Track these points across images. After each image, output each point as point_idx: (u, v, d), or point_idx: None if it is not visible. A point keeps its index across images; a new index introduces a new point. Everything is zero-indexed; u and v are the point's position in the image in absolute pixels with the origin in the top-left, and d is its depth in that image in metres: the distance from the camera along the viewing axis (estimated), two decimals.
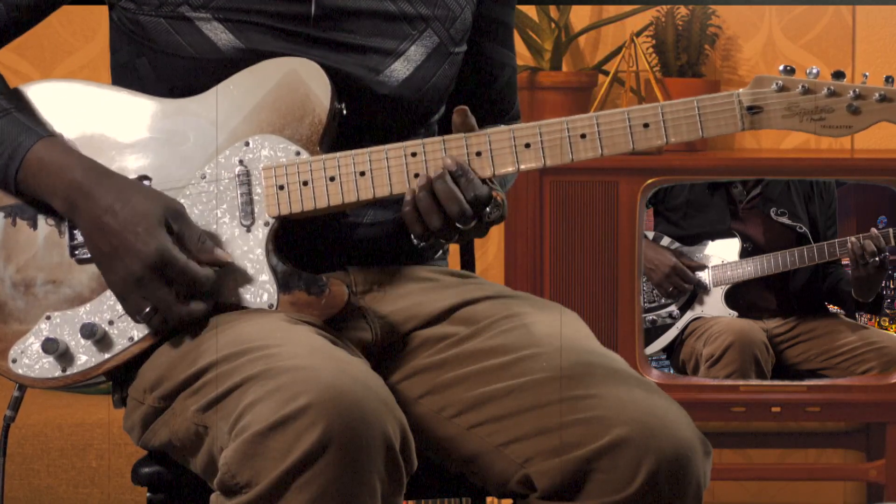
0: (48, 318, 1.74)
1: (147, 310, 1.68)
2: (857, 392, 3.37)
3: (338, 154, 1.72)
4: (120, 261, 1.68)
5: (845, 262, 3.63)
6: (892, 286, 3.73)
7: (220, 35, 1.76)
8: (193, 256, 1.69)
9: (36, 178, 1.72)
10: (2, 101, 1.75)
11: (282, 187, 1.72)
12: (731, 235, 3.67)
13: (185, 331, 1.71)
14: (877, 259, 3.49)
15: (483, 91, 1.94)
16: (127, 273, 1.68)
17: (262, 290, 1.72)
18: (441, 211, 1.67)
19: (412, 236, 1.71)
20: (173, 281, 1.67)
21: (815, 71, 1.64)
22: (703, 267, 3.65)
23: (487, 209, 1.68)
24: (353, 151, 1.71)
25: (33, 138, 1.72)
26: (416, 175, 1.70)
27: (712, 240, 3.68)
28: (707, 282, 3.66)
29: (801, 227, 3.64)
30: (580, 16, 3.67)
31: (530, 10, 3.57)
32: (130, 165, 1.75)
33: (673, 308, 3.66)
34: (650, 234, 3.67)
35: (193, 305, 1.69)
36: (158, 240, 1.67)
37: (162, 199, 1.70)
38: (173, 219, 1.69)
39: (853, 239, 3.53)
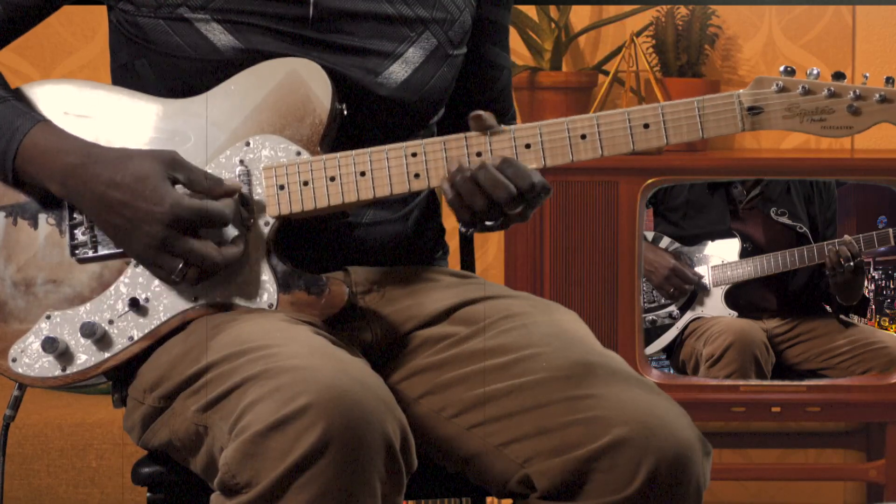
0: (48, 317, 1.74)
1: (180, 266, 1.68)
2: (857, 392, 3.37)
3: (338, 154, 1.72)
4: (138, 230, 1.67)
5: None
6: (892, 286, 3.73)
7: (219, 36, 1.76)
8: (206, 195, 1.69)
9: (33, 162, 1.72)
10: None
11: (282, 187, 1.72)
12: (731, 235, 3.67)
13: (186, 331, 1.71)
14: (851, 264, 3.51)
15: (482, 93, 1.94)
16: (149, 239, 1.67)
17: (262, 289, 1.72)
18: (484, 194, 1.66)
19: (460, 224, 1.70)
20: (196, 229, 1.67)
21: (815, 72, 1.64)
22: (699, 276, 3.65)
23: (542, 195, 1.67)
24: (354, 151, 1.71)
25: (30, 122, 1.72)
26: (417, 175, 1.70)
27: (712, 240, 3.68)
28: (707, 282, 3.66)
29: (801, 227, 3.64)
30: (580, 16, 3.67)
31: (530, 10, 3.57)
32: None
33: (673, 308, 3.66)
34: (650, 235, 3.67)
35: (225, 250, 1.69)
36: (169, 195, 1.66)
37: (155, 154, 1.70)
38: (173, 168, 1.69)
39: (829, 246, 3.54)
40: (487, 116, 1.70)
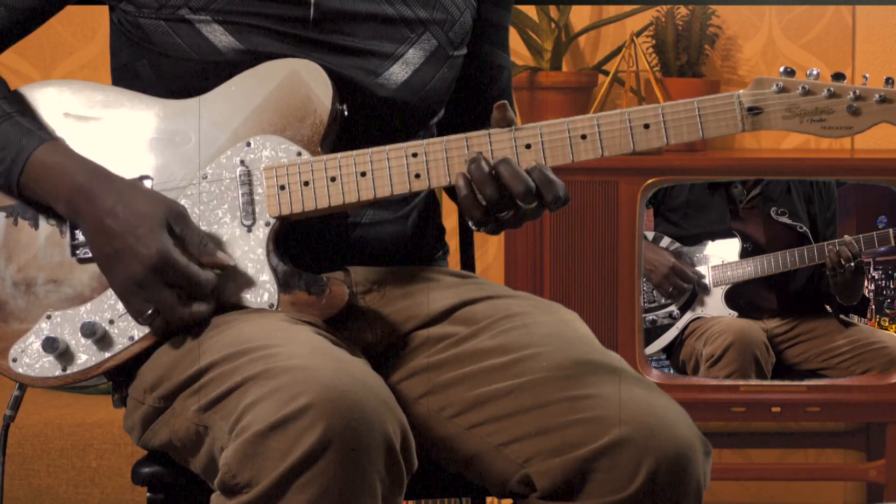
0: (49, 317, 1.74)
1: (149, 312, 1.68)
2: (857, 392, 3.37)
3: (339, 154, 1.72)
4: (122, 263, 1.68)
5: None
6: (892, 286, 3.73)
7: (220, 37, 1.76)
8: (195, 259, 1.69)
9: (38, 182, 1.72)
10: (3, 105, 1.75)
11: (283, 187, 1.73)
12: (731, 235, 3.67)
13: (186, 331, 1.71)
14: (852, 264, 3.51)
15: (482, 94, 1.94)
16: (129, 275, 1.68)
17: (262, 290, 1.72)
18: (498, 185, 1.65)
19: (470, 223, 1.69)
20: (175, 283, 1.68)
21: (815, 72, 1.64)
22: (700, 276, 3.65)
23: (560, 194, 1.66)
24: (354, 152, 1.71)
25: (35, 142, 1.73)
26: (417, 175, 1.70)
27: (712, 240, 3.68)
28: (707, 282, 3.66)
29: (801, 227, 3.65)
30: (580, 16, 3.67)
31: (530, 10, 3.57)
32: (132, 166, 1.76)
33: (673, 308, 3.66)
34: (650, 235, 3.67)
35: (195, 307, 1.69)
36: (160, 242, 1.67)
37: (163, 201, 1.70)
38: (175, 221, 1.69)
39: (829, 246, 3.55)
40: (509, 110, 1.69)
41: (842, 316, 3.66)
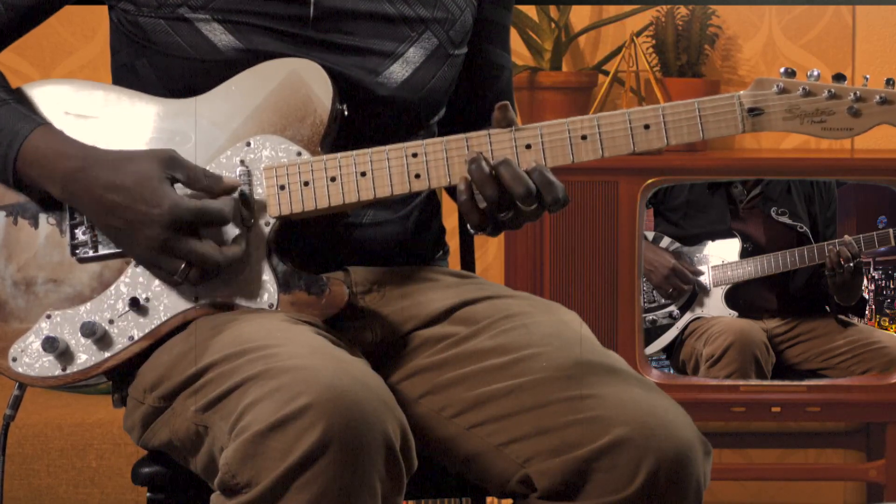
0: (48, 316, 1.74)
1: (182, 267, 1.68)
2: (857, 392, 3.37)
3: (339, 154, 1.72)
4: (138, 232, 1.67)
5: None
6: (892, 286, 3.73)
7: (219, 36, 1.76)
8: (205, 193, 1.69)
9: (33, 166, 1.72)
10: (0, 92, 1.75)
11: (283, 187, 1.73)
12: (732, 235, 3.67)
13: (186, 331, 1.71)
14: (851, 265, 3.52)
15: (483, 93, 1.94)
16: (150, 241, 1.67)
17: (262, 289, 1.72)
18: (498, 186, 1.65)
19: (468, 226, 1.68)
20: (196, 229, 1.67)
21: (815, 73, 1.64)
22: (699, 272, 3.65)
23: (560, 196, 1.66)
24: (354, 152, 1.71)
25: (30, 126, 1.73)
26: (417, 175, 1.70)
27: (712, 240, 3.68)
28: (707, 282, 3.66)
29: (801, 227, 3.65)
30: (580, 16, 3.67)
31: (530, 10, 3.57)
32: None
33: (673, 308, 3.66)
34: (650, 235, 3.67)
35: (226, 250, 1.68)
36: (167, 197, 1.66)
37: (153, 154, 1.69)
38: (172, 168, 1.69)
39: (829, 246, 3.55)
40: (510, 111, 1.69)
41: (840, 316, 3.66)
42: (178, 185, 1.69)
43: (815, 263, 3.60)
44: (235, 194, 1.71)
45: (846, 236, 3.57)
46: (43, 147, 1.72)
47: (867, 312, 3.73)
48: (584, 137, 1.68)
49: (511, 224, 1.69)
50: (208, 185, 1.70)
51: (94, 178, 1.69)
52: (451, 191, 1.89)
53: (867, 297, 3.70)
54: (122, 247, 1.71)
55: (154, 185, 1.67)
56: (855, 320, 3.69)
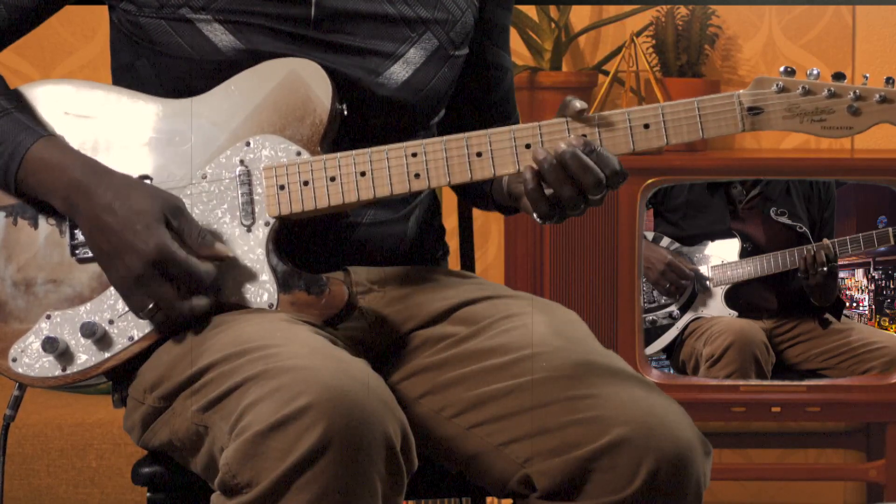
0: (48, 317, 1.74)
1: (149, 307, 1.68)
2: (857, 392, 3.37)
3: (338, 154, 1.72)
4: (120, 259, 1.68)
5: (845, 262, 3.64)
6: (892, 286, 3.73)
7: (220, 36, 1.76)
8: (194, 252, 1.69)
9: (36, 177, 1.72)
10: (1, 101, 1.75)
11: (282, 187, 1.73)
12: (731, 235, 3.67)
13: (186, 329, 1.71)
14: (825, 269, 3.53)
15: (486, 95, 1.94)
16: (128, 271, 1.68)
17: (262, 289, 1.72)
18: (572, 181, 1.64)
19: (536, 217, 1.67)
20: (174, 277, 1.67)
21: (815, 72, 1.64)
22: (695, 269, 3.65)
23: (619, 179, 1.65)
24: (354, 151, 1.71)
25: (33, 137, 1.73)
26: (417, 175, 1.70)
27: (712, 240, 3.68)
28: (707, 281, 3.66)
29: (801, 227, 3.65)
30: (580, 16, 3.67)
31: (530, 10, 3.57)
32: (132, 165, 1.76)
33: (673, 308, 3.66)
34: (650, 235, 3.67)
35: (195, 301, 1.69)
36: (158, 236, 1.67)
37: (161, 195, 1.70)
38: (172, 215, 1.69)
39: (808, 248, 3.56)
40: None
41: (826, 316, 3.66)
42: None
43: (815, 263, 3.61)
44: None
45: (825, 240, 3.58)
46: (46, 159, 1.72)
47: (867, 312, 3.72)
48: (583, 137, 1.68)
49: (578, 213, 1.67)
50: (198, 244, 1.69)
51: (95, 195, 1.69)
52: (455, 190, 1.89)
53: (867, 297, 3.70)
54: (103, 267, 1.71)
55: (149, 222, 1.67)
56: (856, 319, 3.69)
